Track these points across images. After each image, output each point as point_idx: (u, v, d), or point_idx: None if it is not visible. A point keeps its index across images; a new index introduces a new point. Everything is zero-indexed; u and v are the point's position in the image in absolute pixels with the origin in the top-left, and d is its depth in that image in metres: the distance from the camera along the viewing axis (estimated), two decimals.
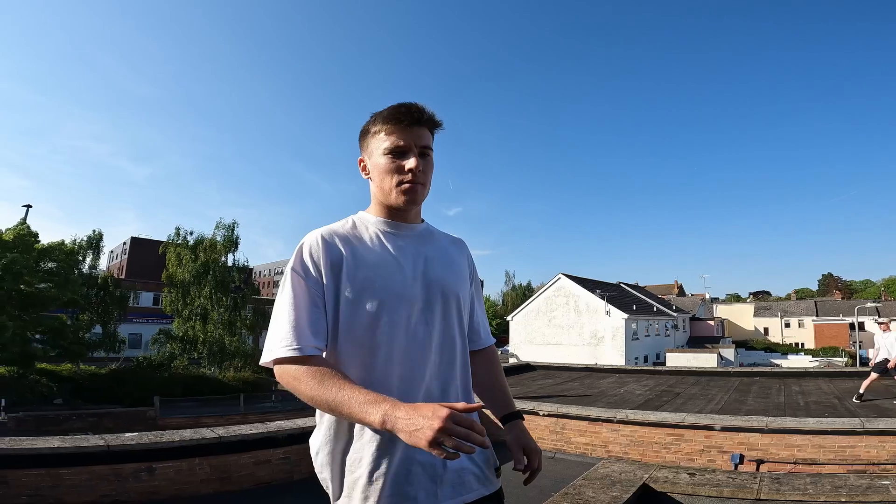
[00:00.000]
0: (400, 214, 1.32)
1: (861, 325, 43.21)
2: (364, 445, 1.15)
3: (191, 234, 32.50)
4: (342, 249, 1.22)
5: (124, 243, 60.93)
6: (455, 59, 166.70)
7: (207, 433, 5.25)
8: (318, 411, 1.22)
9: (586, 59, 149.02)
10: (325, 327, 1.19)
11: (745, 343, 52.07)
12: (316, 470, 1.23)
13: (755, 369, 14.84)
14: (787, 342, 57.04)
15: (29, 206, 27.75)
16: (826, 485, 3.35)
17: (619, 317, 35.65)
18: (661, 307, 46.21)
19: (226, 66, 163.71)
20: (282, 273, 1.25)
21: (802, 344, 55.64)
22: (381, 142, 1.26)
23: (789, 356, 41.08)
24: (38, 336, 23.63)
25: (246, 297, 32.58)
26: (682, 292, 78.76)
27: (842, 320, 52.09)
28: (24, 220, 24.68)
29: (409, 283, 1.23)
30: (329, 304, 1.19)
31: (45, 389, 22.43)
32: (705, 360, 27.24)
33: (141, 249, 55.01)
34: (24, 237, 22.76)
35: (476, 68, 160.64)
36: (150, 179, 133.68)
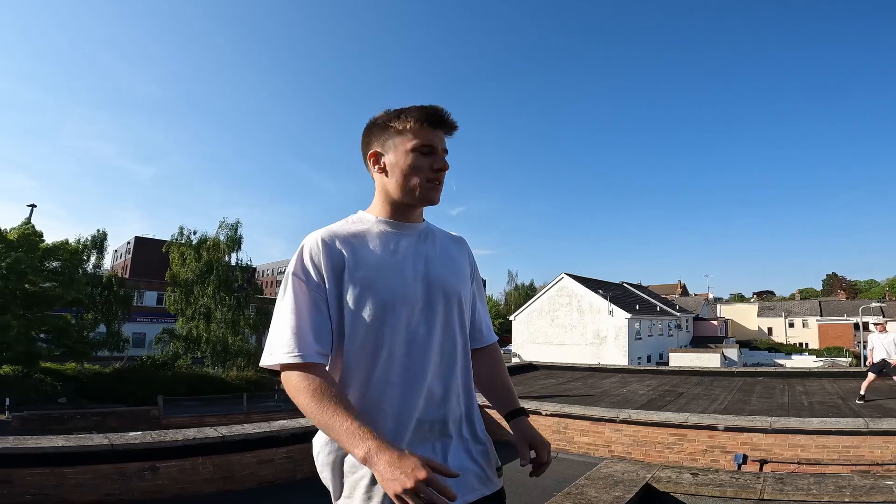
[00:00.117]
0: (405, 214, 1.31)
1: (865, 326, 42.83)
2: None
3: (194, 233, 32.65)
4: (343, 251, 1.21)
5: (128, 243, 61.14)
6: (455, 60, 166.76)
7: (211, 432, 5.26)
8: None
9: (587, 59, 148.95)
10: (330, 331, 1.19)
11: (749, 343, 51.92)
12: (318, 469, 1.23)
13: (759, 369, 14.79)
14: (791, 342, 56.85)
15: (33, 206, 27.94)
16: (829, 485, 3.34)
17: (622, 316, 35.58)
18: (665, 307, 46.10)
19: (228, 66, 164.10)
20: (284, 272, 1.24)
21: (806, 344, 55.46)
22: (407, 139, 1.26)
23: (793, 356, 40.94)
24: (42, 335, 23.74)
25: (249, 297, 32.68)
26: (685, 292, 78.58)
27: (846, 320, 51.91)
28: (28, 220, 24.82)
29: (409, 284, 1.23)
30: (332, 306, 1.19)
31: (50, 388, 22.54)
32: (708, 360, 27.18)
33: (145, 249, 55.17)
34: (28, 236, 22.86)
35: (476, 68, 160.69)
36: (154, 179, 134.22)
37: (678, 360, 29.09)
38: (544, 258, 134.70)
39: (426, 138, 1.26)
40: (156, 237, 51.93)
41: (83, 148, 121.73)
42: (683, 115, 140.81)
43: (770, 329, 61.54)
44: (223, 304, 30.87)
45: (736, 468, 5.64)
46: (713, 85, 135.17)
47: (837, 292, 77.57)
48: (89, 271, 30.15)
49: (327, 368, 1.20)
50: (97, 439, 4.79)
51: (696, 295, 73.00)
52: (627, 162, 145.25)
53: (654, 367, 18.04)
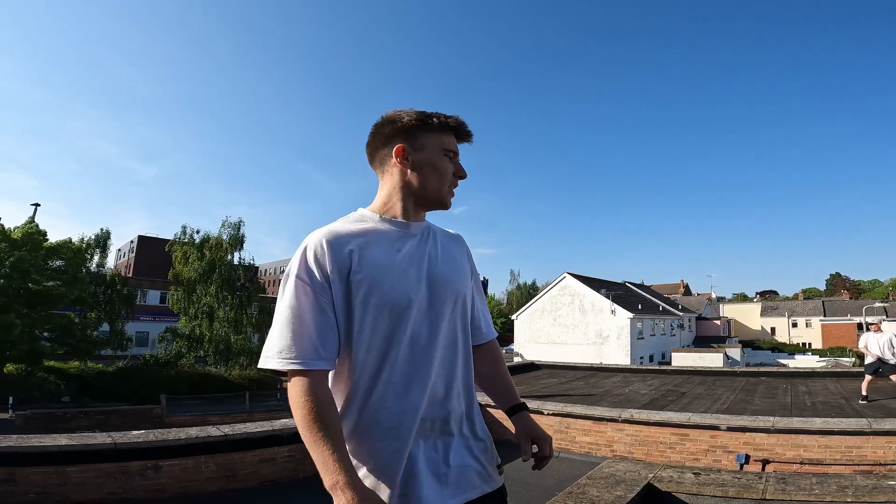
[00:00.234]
0: (415, 213, 1.32)
1: (869, 326, 42.81)
2: (368, 445, 1.16)
3: (197, 232, 32.71)
4: (349, 251, 1.19)
5: (131, 241, 61.34)
6: (456, 59, 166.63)
7: (213, 431, 5.27)
8: None
9: (589, 59, 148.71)
10: (336, 335, 1.18)
11: (752, 343, 51.79)
12: None
13: (761, 369, 14.76)
14: (795, 342, 56.70)
15: (37, 205, 28.03)
16: (832, 485, 3.33)
17: (624, 316, 35.55)
18: (667, 306, 46.04)
19: (229, 65, 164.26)
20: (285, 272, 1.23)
21: (810, 344, 55.32)
22: (440, 140, 1.31)
23: (796, 356, 40.82)
24: (46, 334, 23.82)
25: (251, 296, 32.72)
26: (688, 292, 78.47)
27: (849, 320, 51.74)
28: (32, 219, 24.86)
29: (414, 284, 1.23)
30: (338, 308, 1.18)
31: (53, 387, 22.62)
32: (711, 359, 27.12)
33: (148, 248, 55.31)
34: (32, 235, 22.94)
35: (477, 68, 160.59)
36: (157, 178, 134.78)
37: (681, 359, 29.03)
38: (546, 257, 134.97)
39: (453, 144, 1.33)
40: (159, 236, 52.09)
41: (86, 147, 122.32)
42: (686, 115, 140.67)
43: (773, 329, 61.40)
44: (226, 303, 30.93)
45: (738, 468, 5.63)
46: (716, 85, 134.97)
47: (841, 292, 77.29)
48: (93, 270, 30.24)
49: (333, 372, 1.20)
50: (100, 438, 4.81)
51: (698, 294, 72.86)
52: (630, 161, 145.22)
53: (657, 367, 18.02)
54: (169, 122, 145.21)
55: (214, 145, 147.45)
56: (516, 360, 32.50)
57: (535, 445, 1.39)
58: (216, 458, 5.07)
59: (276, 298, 1.18)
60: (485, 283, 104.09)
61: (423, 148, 1.29)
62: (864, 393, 8.42)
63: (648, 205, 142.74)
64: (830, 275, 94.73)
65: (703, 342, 46.21)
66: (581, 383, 12.21)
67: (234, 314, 30.89)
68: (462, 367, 1.31)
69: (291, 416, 1.17)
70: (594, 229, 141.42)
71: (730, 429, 5.97)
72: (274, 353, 1.13)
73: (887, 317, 45.47)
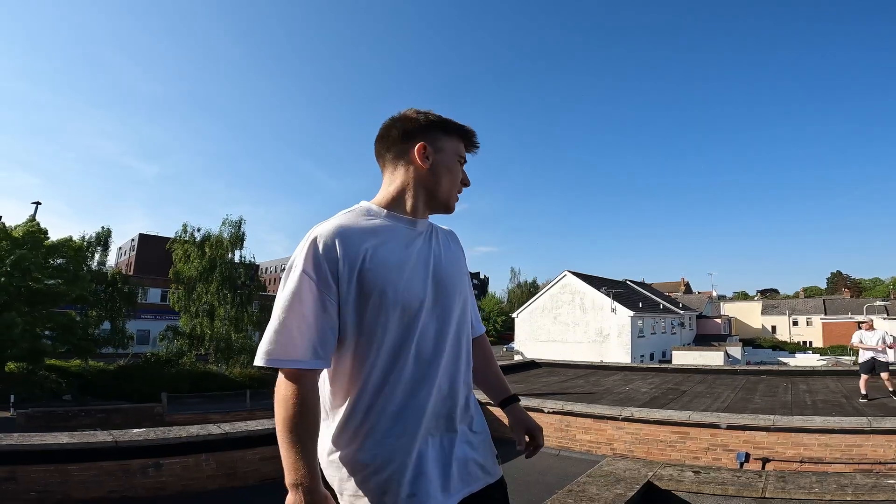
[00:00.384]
0: (422, 211, 1.33)
1: (860, 325, 42.74)
2: (377, 444, 1.16)
3: (198, 230, 32.61)
4: (361, 248, 1.16)
5: (132, 240, 61.28)
6: (458, 58, 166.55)
7: (214, 429, 5.29)
8: (323, 409, 1.23)
9: (590, 58, 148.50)
10: (335, 335, 1.16)
11: (753, 341, 51.79)
12: (322, 467, 1.22)
13: (762, 367, 14.76)
14: (795, 340, 56.69)
15: (38, 203, 28.01)
16: (831, 483, 3.34)
17: (624, 314, 35.53)
18: (668, 305, 46.01)
19: (231, 63, 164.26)
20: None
21: (810, 342, 55.31)
22: (456, 146, 1.35)
23: (797, 354, 40.80)
24: (47, 332, 23.82)
25: (252, 294, 32.70)
26: (688, 290, 78.34)
27: (850, 318, 51.67)
28: (33, 217, 24.86)
29: (421, 283, 1.24)
30: (347, 305, 1.16)
31: (55, 385, 22.63)
32: (712, 358, 27.08)
33: (149, 246, 55.26)
34: (33, 234, 22.93)
35: (480, 67, 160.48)
36: (158, 177, 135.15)
37: (681, 358, 29.03)
38: (547, 255, 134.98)
39: (464, 151, 1.37)
40: (160, 234, 52.08)
41: (87, 146, 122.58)
42: (687, 114, 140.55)
43: (774, 327, 61.36)
44: (226, 301, 30.92)
45: (738, 466, 5.64)
46: (717, 83, 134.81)
47: (842, 290, 77.21)
48: (94, 268, 30.26)
49: (337, 370, 1.20)
50: (101, 436, 4.82)
51: (699, 293, 72.73)
52: (630, 160, 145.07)
53: (657, 365, 18.01)
54: (170, 120, 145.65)
55: (216, 144, 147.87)
56: (517, 358, 32.52)
57: (527, 436, 1.47)
58: (217, 456, 5.08)
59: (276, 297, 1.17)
60: (485, 281, 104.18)
61: (442, 150, 1.31)
62: (863, 392, 8.42)
63: (649, 203, 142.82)
64: (831, 273, 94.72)
65: (703, 340, 46.21)
66: (581, 381, 12.21)
67: (234, 312, 30.88)
68: (465, 364, 1.33)
69: None
70: (595, 227, 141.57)
71: (730, 427, 5.96)
72: (270, 350, 1.12)
73: (888, 315, 45.49)
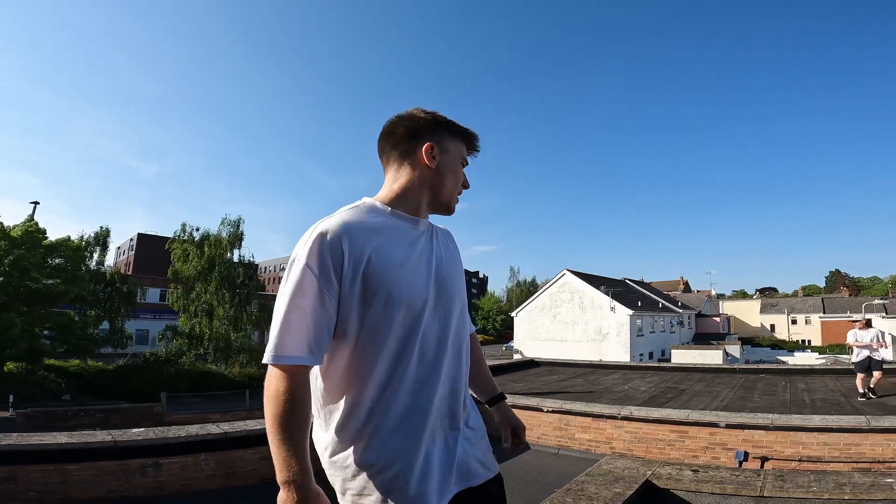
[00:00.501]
0: (423, 211, 1.33)
1: (868, 322, 42.81)
2: (383, 444, 1.15)
3: (197, 230, 32.58)
4: (366, 246, 1.15)
5: (131, 239, 61.25)
6: (458, 56, 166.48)
7: (213, 429, 5.28)
8: (315, 407, 1.22)
9: (590, 57, 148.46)
10: (330, 332, 1.15)
11: (752, 340, 51.87)
12: (323, 466, 1.22)
13: (761, 366, 14.78)
14: (794, 339, 56.77)
15: (36, 203, 28.02)
16: (830, 482, 3.34)
17: (624, 313, 35.55)
18: (667, 303, 46.04)
19: (231, 63, 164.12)
20: (286, 269, 1.20)
21: (809, 341, 55.39)
22: (461, 148, 1.37)
23: (796, 353, 40.85)
24: (46, 332, 23.78)
25: (251, 293, 32.68)
26: (687, 289, 78.42)
27: (849, 317, 51.77)
28: (31, 217, 24.83)
29: (424, 283, 1.24)
30: (349, 302, 1.14)
31: (54, 385, 22.60)
32: (711, 356, 27.11)
33: (148, 245, 55.23)
34: (31, 233, 22.90)
35: (479, 65, 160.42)
36: (158, 176, 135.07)
37: (680, 356, 29.07)
38: (546, 254, 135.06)
39: (466, 154, 1.39)
40: (159, 234, 52.02)
41: (87, 145, 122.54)
42: (686, 112, 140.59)
43: (773, 326, 61.44)
44: (225, 301, 30.90)
45: (737, 465, 5.65)
46: (715, 82, 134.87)
47: (840, 289, 77.36)
48: (92, 268, 30.22)
49: (333, 364, 1.19)
50: (100, 436, 4.82)
51: (698, 291, 72.82)
52: (630, 159, 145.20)
53: (656, 364, 18.03)
54: (170, 119, 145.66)
55: (216, 143, 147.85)
56: (516, 357, 32.51)
57: (512, 433, 1.54)
58: (216, 456, 5.08)
59: (276, 296, 1.16)
60: (485, 280, 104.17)
61: (447, 151, 1.32)
62: (861, 390, 8.43)
63: (648, 202, 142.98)
64: (830, 272, 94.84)
65: (702, 339, 46.23)
66: (581, 380, 12.22)
67: (233, 312, 30.84)
68: (465, 363, 1.34)
69: None
70: (594, 226, 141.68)
71: (729, 426, 5.97)
72: (270, 349, 1.11)
73: (887, 313, 45.52)
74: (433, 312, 1.24)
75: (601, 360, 21.05)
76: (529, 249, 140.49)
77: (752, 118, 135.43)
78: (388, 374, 1.17)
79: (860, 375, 8.53)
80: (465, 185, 1.39)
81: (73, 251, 25.07)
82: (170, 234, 34.18)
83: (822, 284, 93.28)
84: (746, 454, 5.74)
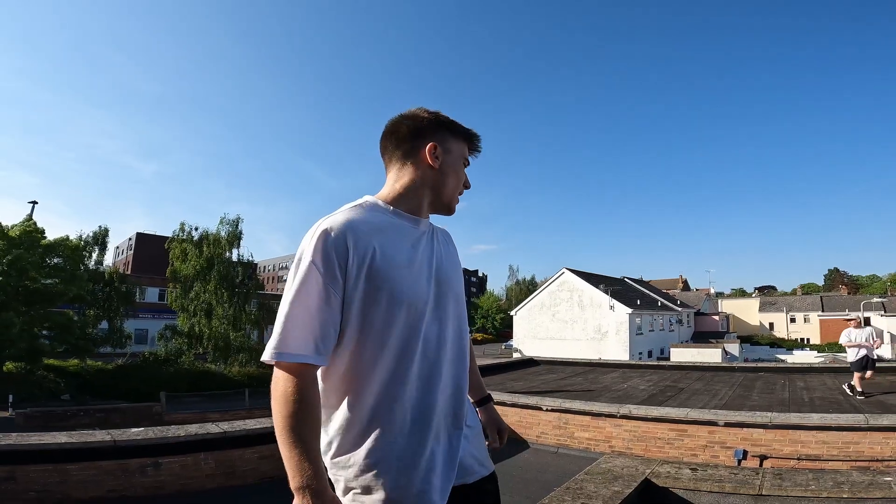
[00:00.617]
0: (425, 210, 1.33)
1: (867, 321, 42.98)
2: (389, 443, 1.15)
3: (196, 229, 32.51)
4: (370, 245, 1.15)
5: (130, 239, 61.11)
6: (458, 55, 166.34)
7: (212, 428, 5.28)
8: (326, 408, 1.21)
9: (590, 56, 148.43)
10: (336, 331, 1.14)
11: (750, 338, 51.90)
12: (326, 465, 1.20)
13: (760, 365, 14.81)
14: (793, 337, 56.81)
15: (35, 203, 27.97)
16: (828, 481, 3.35)
17: (623, 311, 35.58)
18: (666, 302, 46.10)
19: (231, 63, 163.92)
20: (286, 268, 1.20)
21: (808, 339, 55.43)
22: (463, 148, 1.38)
23: (794, 351, 40.93)
24: (45, 332, 23.74)
25: (250, 293, 32.64)
26: (686, 287, 78.53)
27: (848, 315, 51.84)
28: (30, 216, 24.79)
29: (426, 283, 1.24)
30: (352, 301, 1.14)
31: (53, 385, 22.58)
32: (710, 355, 27.15)
33: (146, 245, 55.10)
34: (30, 233, 22.85)
35: (479, 64, 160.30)
36: (157, 176, 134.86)
37: (679, 355, 29.14)
38: (545, 253, 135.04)
39: (467, 154, 1.40)
40: (158, 233, 51.90)
41: (86, 145, 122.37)
42: (685, 111, 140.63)
43: (771, 324, 61.50)
44: (224, 300, 30.85)
45: (736, 464, 5.65)
46: (714, 81, 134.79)
47: (839, 287, 77.42)
48: (91, 268, 30.13)
49: (334, 364, 1.18)
50: (100, 436, 4.82)
51: (697, 290, 72.90)
52: (629, 158, 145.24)
53: (655, 363, 18.05)
54: (170, 119, 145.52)
55: (216, 143, 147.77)
56: (515, 355, 32.51)
57: (497, 434, 1.60)
58: (215, 455, 5.08)
59: (275, 296, 1.17)
60: (484, 279, 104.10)
61: (450, 151, 1.33)
62: (859, 389, 8.44)
63: (647, 200, 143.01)
64: (829, 270, 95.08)
65: (701, 338, 46.30)
66: (580, 379, 12.23)
67: (232, 311, 30.78)
68: (466, 363, 1.35)
69: None
70: (593, 225, 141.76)
71: (727, 424, 5.98)
72: (277, 345, 1.10)
73: (885, 312, 45.62)
74: (433, 313, 1.24)
75: (600, 359, 21.06)
76: (529, 248, 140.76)
77: (751, 118, 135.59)
78: (391, 375, 1.16)
79: (857, 374, 8.52)
80: (467, 186, 1.40)
81: (71, 251, 25.03)
82: (169, 234, 34.13)
83: (820, 283, 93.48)
84: (745, 453, 5.75)
